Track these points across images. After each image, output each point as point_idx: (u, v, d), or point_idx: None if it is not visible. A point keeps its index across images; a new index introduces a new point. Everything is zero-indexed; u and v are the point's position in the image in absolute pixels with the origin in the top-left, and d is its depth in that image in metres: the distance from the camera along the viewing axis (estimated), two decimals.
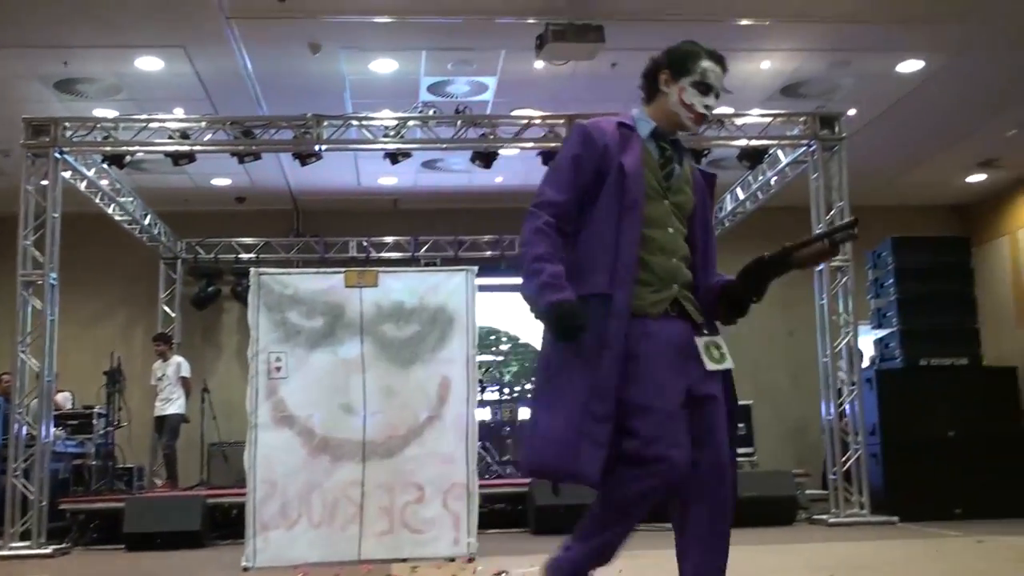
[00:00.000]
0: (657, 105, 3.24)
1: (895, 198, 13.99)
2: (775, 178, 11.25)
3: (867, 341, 11.07)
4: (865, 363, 10.81)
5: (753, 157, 10.36)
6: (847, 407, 9.69)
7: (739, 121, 10.14)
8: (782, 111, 10.31)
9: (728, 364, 3.14)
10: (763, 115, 10.23)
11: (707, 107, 3.20)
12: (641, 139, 3.19)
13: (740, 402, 12.13)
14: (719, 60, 3.25)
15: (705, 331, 3.16)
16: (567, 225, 3.08)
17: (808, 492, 10.14)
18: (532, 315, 3.01)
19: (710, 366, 3.09)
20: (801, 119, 10.10)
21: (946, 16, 8.86)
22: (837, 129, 9.93)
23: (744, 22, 8.94)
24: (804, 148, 10.15)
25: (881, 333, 10.60)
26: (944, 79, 10.16)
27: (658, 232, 3.10)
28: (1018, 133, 11.83)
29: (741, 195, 12.24)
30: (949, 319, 10.19)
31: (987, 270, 13.90)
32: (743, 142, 10.17)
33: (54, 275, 9.23)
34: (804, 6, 8.68)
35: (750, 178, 11.76)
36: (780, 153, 10.72)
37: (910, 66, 9.96)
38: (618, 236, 3.04)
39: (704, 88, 3.19)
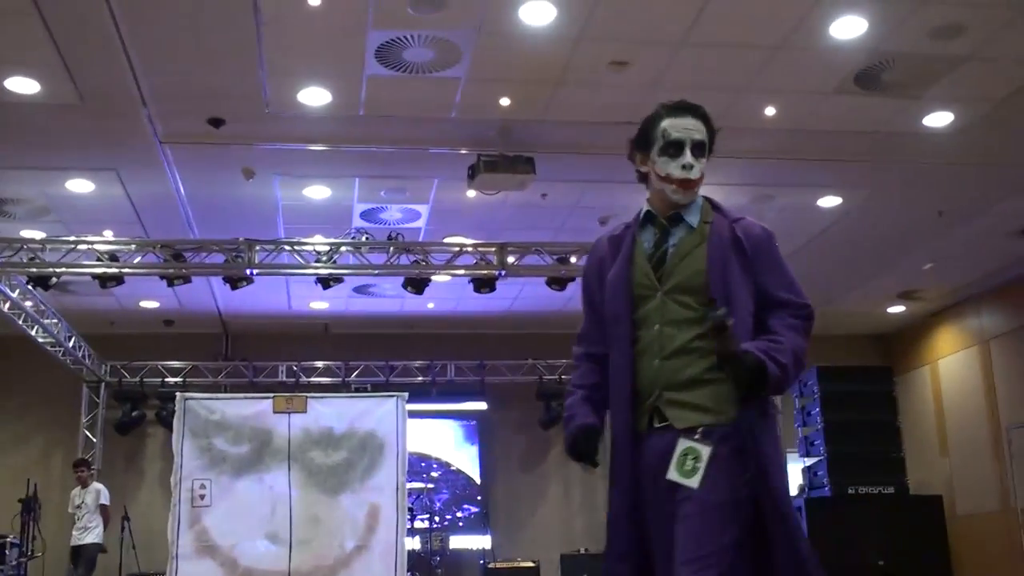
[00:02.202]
0: (650, 188, 3.00)
1: (818, 327, 14.04)
2: None
3: (795, 469, 11.15)
4: (793, 491, 10.87)
5: None
6: None
7: None
8: None
9: (693, 483, 2.61)
10: None
11: (685, 167, 2.88)
12: (633, 233, 2.96)
13: None
14: (684, 110, 2.97)
15: (697, 435, 2.67)
16: (595, 348, 3.00)
17: None
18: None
19: (671, 475, 2.65)
20: None
21: (860, 156, 9.24)
22: None
23: None
24: None
25: (809, 461, 10.69)
26: (861, 214, 10.53)
27: (644, 333, 2.83)
28: (934, 267, 12.25)
29: None
30: (875, 447, 10.34)
31: (909, 399, 14.18)
32: None
33: None
34: (726, 142, 8.93)
35: None
36: None
37: (829, 201, 10.31)
38: (616, 355, 2.86)
39: (673, 149, 2.90)
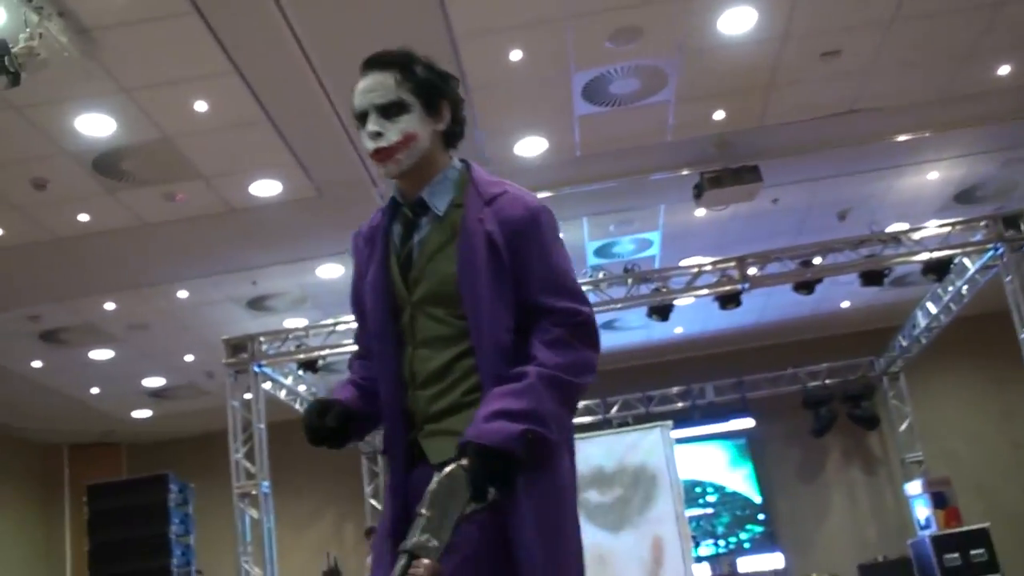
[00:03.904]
0: None
1: None
2: (966, 287, 10.75)
3: None
4: None
5: (938, 270, 9.97)
6: None
7: (916, 236, 9.84)
8: (960, 218, 9.96)
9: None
10: (941, 225, 9.90)
11: (371, 136, 2.32)
12: (385, 226, 2.41)
13: (976, 526, 11.40)
14: (366, 67, 2.36)
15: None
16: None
17: None
18: None
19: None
20: (982, 223, 9.72)
21: None
22: None
23: (902, 138, 8.79)
24: (991, 252, 9.72)
25: None
26: None
27: (402, 353, 2.33)
28: None
29: (933, 309, 11.72)
30: None
31: None
32: (925, 256, 9.84)
33: (266, 484, 9.60)
34: (959, 112, 8.49)
35: (939, 291, 11.28)
36: (967, 261, 10.29)
37: None
38: (382, 379, 2.34)
39: (361, 119, 2.35)
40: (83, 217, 8.28)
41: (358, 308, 2.47)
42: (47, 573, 14.03)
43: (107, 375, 12.07)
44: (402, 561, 1.97)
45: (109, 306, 10.17)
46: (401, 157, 2.30)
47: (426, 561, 1.96)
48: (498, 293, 2.23)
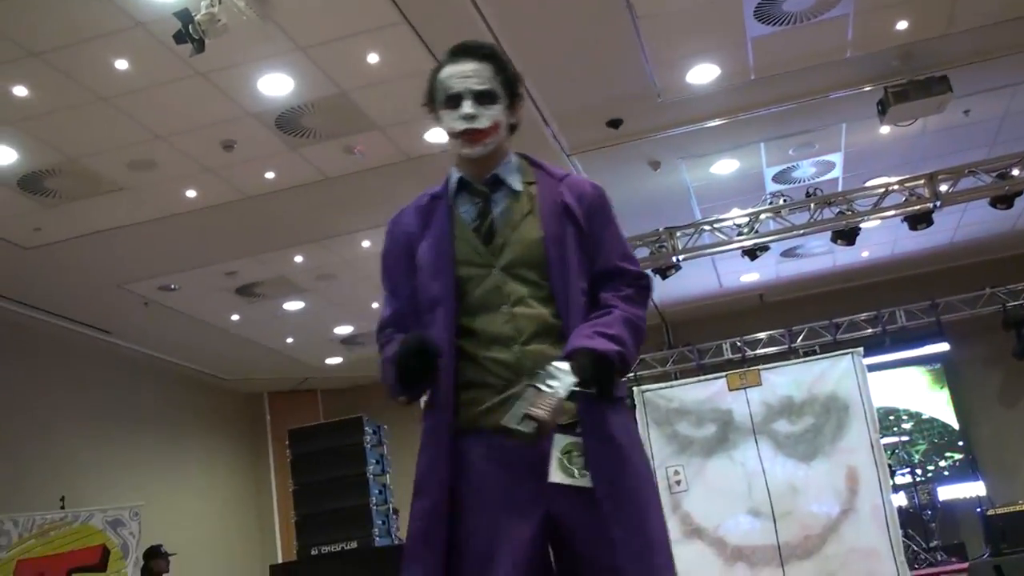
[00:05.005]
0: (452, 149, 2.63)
1: None
2: None
3: None
4: None
5: None
6: None
7: None
8: None
9: (583, 481, 2.31)
10: None
11: (465, 118, 2.49)
12: (448, 204, 2.58)
13: None
14: (463, 54, 2.54)
15: (578, 429, 2.35)
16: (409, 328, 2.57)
17: None
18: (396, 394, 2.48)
19: (555, 476, 2.30)
20: None
21: None
22: None
23: None
24: None
25: None
26: None
27: (486, 319, 2.46)
28: None
29: None
30: None
31: None
32: None
33: None
34: None
35: None
36: None
37: None
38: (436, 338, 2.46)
39: (453, 100, 2.51)
40: (269, 175, 8.61)
41: (395, 280, 2.63)
42: (256, 510, 14.91)
43: (300, 325, 12.61)
44: (528, 391, 2.19)
45: (298, 259, 10.58)
46: (488, 142, 2.52)
47: (557, 396, 2.20)
48: (579, 257, 2.50)
